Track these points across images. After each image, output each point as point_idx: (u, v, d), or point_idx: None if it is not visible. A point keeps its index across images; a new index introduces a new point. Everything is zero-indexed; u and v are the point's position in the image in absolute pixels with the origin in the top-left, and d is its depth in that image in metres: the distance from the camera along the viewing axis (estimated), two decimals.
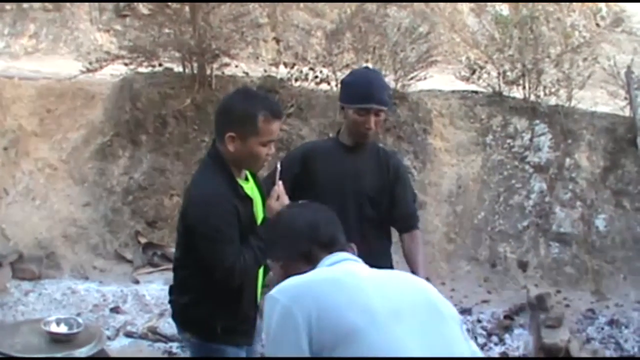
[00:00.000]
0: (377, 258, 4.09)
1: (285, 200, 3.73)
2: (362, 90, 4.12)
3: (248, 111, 3.51)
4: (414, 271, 4.09)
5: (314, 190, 4.15)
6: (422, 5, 13.44)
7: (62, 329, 5.16)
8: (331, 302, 2.34)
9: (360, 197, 4.19)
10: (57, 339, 5.09)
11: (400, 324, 2.33)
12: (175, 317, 3.93)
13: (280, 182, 3.79)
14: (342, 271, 2.54)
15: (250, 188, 3.74)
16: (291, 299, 2.36)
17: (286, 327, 2.31)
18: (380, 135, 9.19)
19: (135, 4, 11.46)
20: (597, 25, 14.39)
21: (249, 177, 3.80)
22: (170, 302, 3.95)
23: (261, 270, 3.83)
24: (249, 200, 3.65)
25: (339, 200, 4.05)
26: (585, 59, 9.88)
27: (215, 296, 3.66)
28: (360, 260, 2.70)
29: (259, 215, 3.74)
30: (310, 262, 2.62)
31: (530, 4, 10.46)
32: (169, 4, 9.80)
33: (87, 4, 13.13)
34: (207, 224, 3.50)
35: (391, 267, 4.26)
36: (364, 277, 2.50)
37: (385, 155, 4.38)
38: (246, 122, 3.50)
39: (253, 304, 3.80)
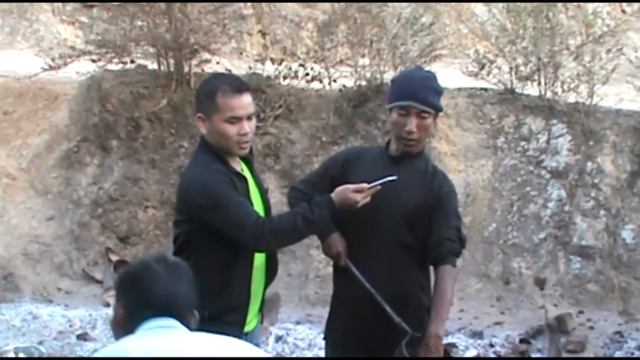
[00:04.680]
0: (404, 288, 4.04)
1: (363, 196, 3.78)
2: (403, 87, 4.05)
3: (208, 89, 3.87)
4: (430, 317, 3.93)
5: None
6: None
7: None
8: None
9: (395, 215, 4.02)
10: None
11: None
12: None
13: (377, 186, 3.81)
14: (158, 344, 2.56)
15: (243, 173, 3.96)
16: None
17: None
18: (379, 139, 9.18)
19: None
20: (623, 11, 14.36)
21: (244, 168, 4.01)
22: None
23: (264, 265, 3.99)
24: (243, 178, 3.90)
25: (371, 217, 4.00)
26: (609, 51, 9.82)
27: (204, 280, 3.71)
28: (182, 329, 2.71)
29: (259, 210, 3.91)
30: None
31: None
32: None
33: None
34: (211, 195, 3.75)
35: (428, 303, 4.08)
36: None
37: (433, 174, 4.15)
38: (207, 100, 3.83)
39: (245, 295, 3.91)
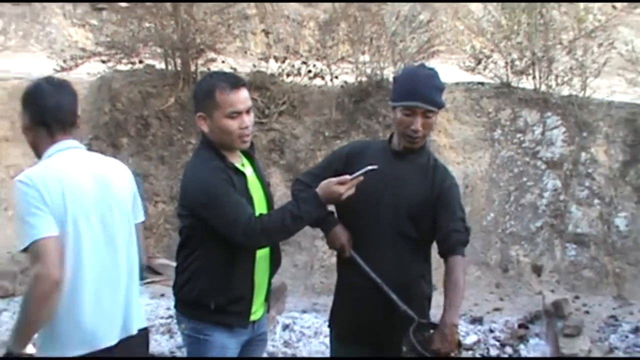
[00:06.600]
0: (407, 279, 4.02)
1: (346, 188, 3.77)
2: (408, 87, 3.96)
3: (207, 88, 3.87)
4: (444, 306, 3.93)
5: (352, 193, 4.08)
6: None
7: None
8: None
9: (398, 209, 3.98)
10: None
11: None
12: (175, 302, 4.08)
13: (359, 177, 3.79)
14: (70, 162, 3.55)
15: (243, 168, 3.96)
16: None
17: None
18: (380, 133, 9.18)
19: None
20: (614, 7, 14.39)
21: (246, 162, 4.04)
22: (173, 286, 4.09)
23: (267, 257, 3.99)
24: (241, 173, 3.89)
25: (374, 209, 4.01)
26: (600, 45, 9.86)
27: (209, 274, 3.85)
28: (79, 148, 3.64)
29: (260, 203, 3.94)
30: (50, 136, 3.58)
31: None
32: None
33: None
34: (208, 193, 3.76)
35: (429, 292, 4.16)
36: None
37: (434, 167, 4.10)
38: (206, 99, 3.83)
39: (249, 286, 3.92)
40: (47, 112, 3.55)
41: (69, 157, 3.56)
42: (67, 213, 3.40)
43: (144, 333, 3.78)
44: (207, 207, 3.76)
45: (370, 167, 3.80)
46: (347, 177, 3.78)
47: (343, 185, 3.77)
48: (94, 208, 3.50)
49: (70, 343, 3.47)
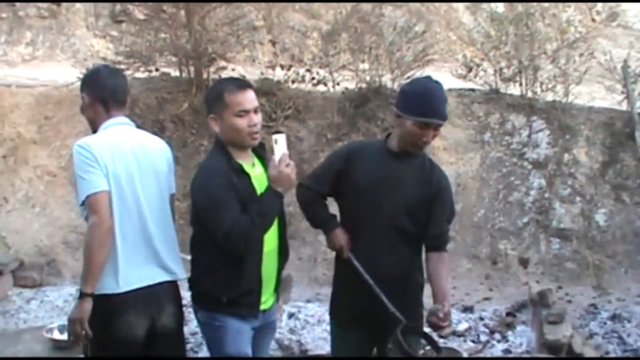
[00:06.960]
0: (404, 269, 4.07)
1: (283, 167, 3.76)
2: (425, 103, 3.89)
3: (216, 91, 3.94)
4: (434, 293, 3.96)
5: (353, 190, 4.10)
6: (417, 4, 13.47)
7: (65, 336, 5.15)
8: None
9: (397, 206, 3.99)
10: (59, 346, 5.09)
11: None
12: (191, 294, 4.10)
13: (285, 152, 3.81)
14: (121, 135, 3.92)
15: (251, 167, 3.96)
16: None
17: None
18: (378, 135, 9.19)
19: (131, 9, 11.49)
20: (593, 20, 14.45)
21: (257, 162, 4.04)
22: (188, 279, 4.12)
23: (275, 251, 4.02)
24: (245, 174, 3.88)
25: (374, 205, 4.02)
26: (581, 54, 9.90)
27: (219, 270, 3.88)
28: (129, 124, 4.04)
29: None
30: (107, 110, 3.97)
31: None
32: (165, 8, 9.80)
33: (83, 10, 13.16)
34: (204, 195, 3.82)
35: (422, 281, 4.18)
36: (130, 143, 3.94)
37: (431, 168, 4.13)
38: (216, 101, 3.89)
39: (256, 280, 3.94)
40: (105, 91, 3.95)
41: (121, 130, 3.94)
42: (116, 175, 3.76)
43: (174, 284, 4.11)
44: (202, 209, 3.82)
45: (277, 136, 3.83)
46: (274, 158, 3.79)
47: (280, 166, 3.77)
48: (137, 173, 3.86)
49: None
